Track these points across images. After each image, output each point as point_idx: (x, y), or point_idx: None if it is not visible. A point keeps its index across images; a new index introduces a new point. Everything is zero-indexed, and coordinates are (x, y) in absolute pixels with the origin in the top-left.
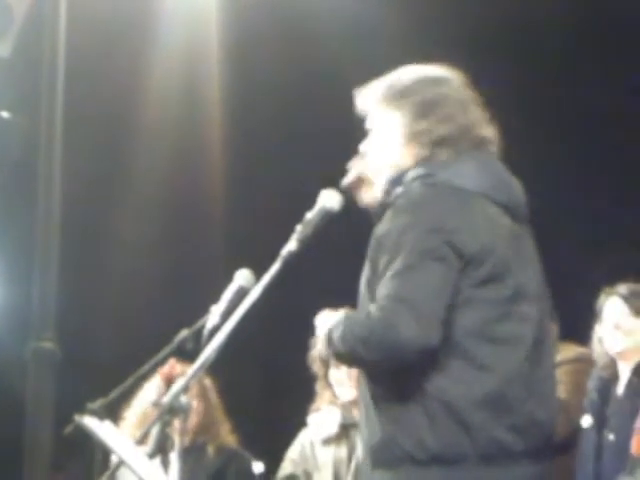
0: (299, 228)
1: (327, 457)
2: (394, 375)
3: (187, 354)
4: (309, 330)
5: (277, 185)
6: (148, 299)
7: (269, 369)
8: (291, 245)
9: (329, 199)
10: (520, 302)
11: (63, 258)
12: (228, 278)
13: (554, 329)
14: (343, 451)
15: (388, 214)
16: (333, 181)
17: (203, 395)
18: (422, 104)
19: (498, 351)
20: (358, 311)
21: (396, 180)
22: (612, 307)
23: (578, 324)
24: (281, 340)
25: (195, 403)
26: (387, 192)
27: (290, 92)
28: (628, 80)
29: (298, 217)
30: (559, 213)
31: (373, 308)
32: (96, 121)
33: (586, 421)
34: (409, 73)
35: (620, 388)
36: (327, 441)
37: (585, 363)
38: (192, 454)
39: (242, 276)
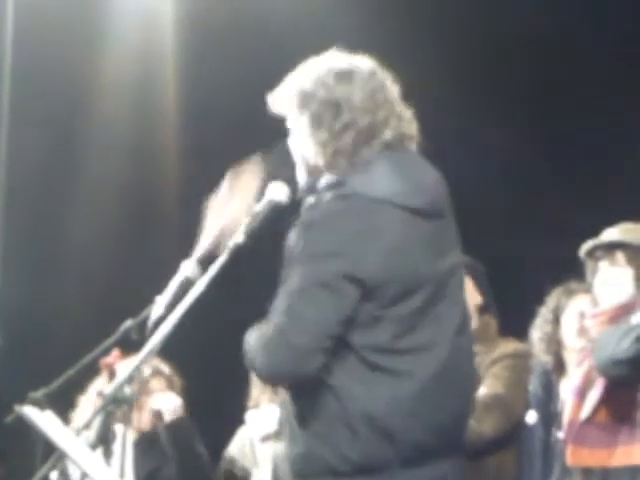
0: (246, 220)
1: (266, 453)
2: (314, 389)
3: (131, 344)
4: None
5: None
6: (99, 289)
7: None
8: (237, 237)
9: (277, 192)
10: (436, 302)
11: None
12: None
13: (493, 324)
14: (282, 447)
15: (299, 225)
16: (287, 175)
17: (171, 386)
18: (320, 113)
19: (414, 358)
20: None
21: (309, 188)
22: (581, 306)
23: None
24: (237, 326)
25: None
26: (302, 194)
27: (247, 88)
28: None
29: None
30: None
31: (269, 326)
32: (46, 112)
33: (531, 417)
34: (313, 70)
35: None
36: (266, 438)
37: (524, 358)
38: (141, 445)
39: (188, 267)
